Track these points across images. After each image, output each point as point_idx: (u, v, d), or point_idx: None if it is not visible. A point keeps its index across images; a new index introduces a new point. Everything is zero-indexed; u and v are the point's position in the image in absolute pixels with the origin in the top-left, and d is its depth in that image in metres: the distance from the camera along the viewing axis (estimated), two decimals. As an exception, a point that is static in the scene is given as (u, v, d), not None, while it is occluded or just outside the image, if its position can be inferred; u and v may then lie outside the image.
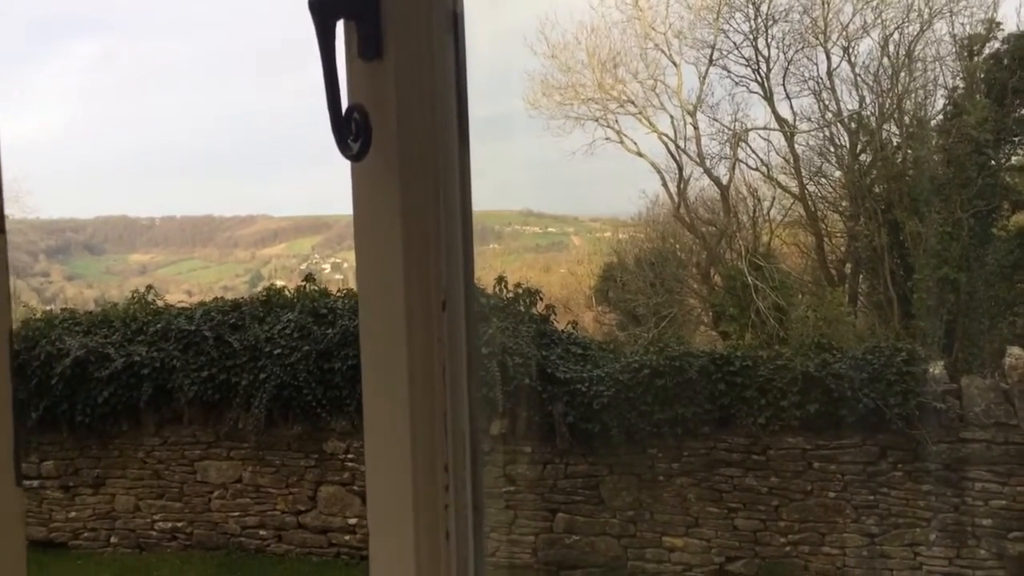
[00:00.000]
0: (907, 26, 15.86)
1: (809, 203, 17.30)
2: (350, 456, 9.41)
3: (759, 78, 17.04)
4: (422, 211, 1.00)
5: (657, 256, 19.10)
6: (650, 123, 18.20)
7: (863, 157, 16.68)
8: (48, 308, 13.49)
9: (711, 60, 17.35)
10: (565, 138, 18.32)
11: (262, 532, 9.70)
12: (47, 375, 9.67)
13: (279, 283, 11.87)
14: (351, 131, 0.97)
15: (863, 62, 16.35)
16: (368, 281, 1.01)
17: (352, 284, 12.19)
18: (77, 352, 9.65)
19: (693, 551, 8.70)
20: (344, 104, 0.97)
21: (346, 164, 1.03)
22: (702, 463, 8.71)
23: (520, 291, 10.02)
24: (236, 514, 9.74)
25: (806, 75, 16.87)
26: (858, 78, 16.32)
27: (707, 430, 8.69)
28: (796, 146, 17.14)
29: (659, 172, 18.38)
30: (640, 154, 18.32)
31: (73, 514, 10.12)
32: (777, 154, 17.59)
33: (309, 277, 10.56)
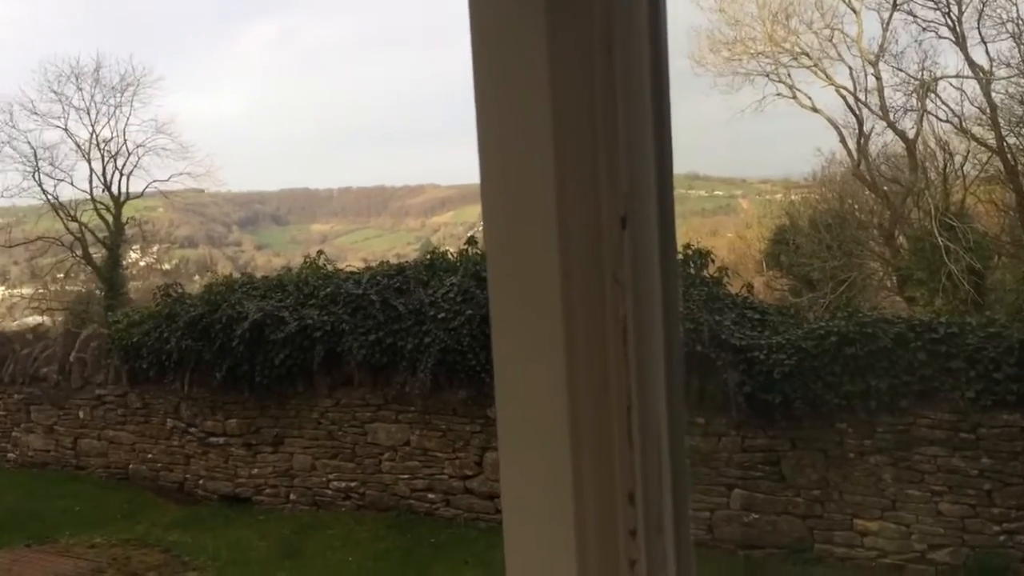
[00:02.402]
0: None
1: (1008, 156, 15.65)
2: (515, 422, 9.21)
3: (950, 22, 15.60)
4: (585, 56, 0.58)
5: (834, 217, 18.19)
6: (827, 76, 17.07)
7: (1070, 104, 14.85)
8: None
9: (895, 5, 16.02)
10: (733, 96, 17.51)
11: (431, 495, 9.72)
12: (229, 337, 10.06)
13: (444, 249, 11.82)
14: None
15: (1069, -1, 14.45)
16: (494, 180, 0.61)
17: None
18: (255, 315, 9.97)
19: (889, 536, 7.89)
20: None
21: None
22: (899, 440, 7.85)
23: (689, 252, 9.45)
24: (405, 476, 9.81)
25: (1004, 17, 15.20)
26: (1064, 17, 14.48)
27: (905, 404, 7.83)
28: (993, 94, 15.56)
29: (836, 128, 17.38)
30: (815, 109, 17.34)
31: (256, 470, 10.56)
32: (971, 104, 16.11)
33: (471, 240, 10.41)
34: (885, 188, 17.71)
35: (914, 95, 16.56)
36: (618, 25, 0.59)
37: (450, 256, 10.37)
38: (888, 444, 7.88)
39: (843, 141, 17.66)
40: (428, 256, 10.55)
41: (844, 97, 16.94)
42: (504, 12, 0.59)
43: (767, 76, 17.39)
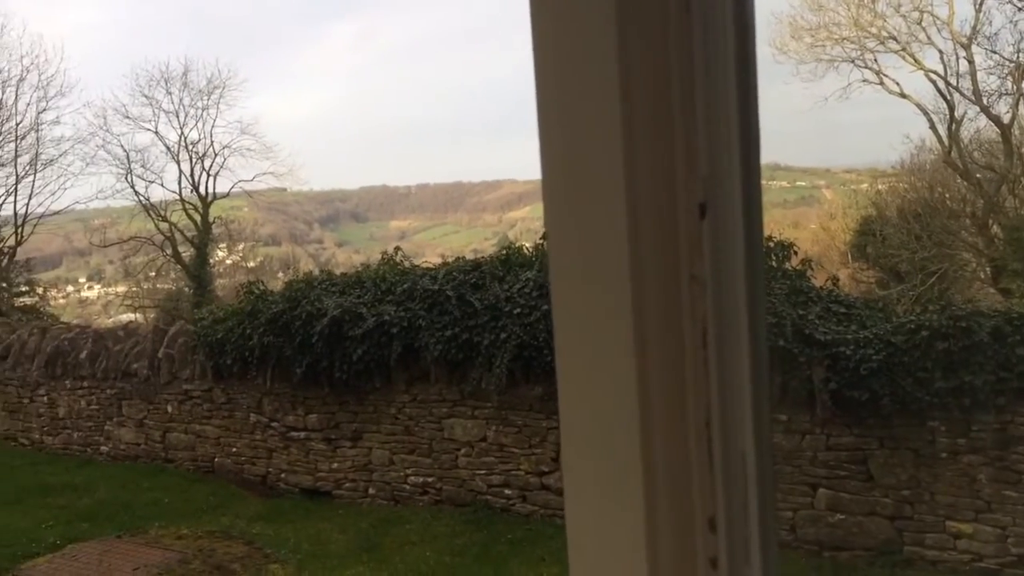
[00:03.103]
0: None
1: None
2: (592, 419, 9.11)
3: (1050, -1, 14.73)
4: (659, 15, 0.51)
5: (924, 207, 17.57)
6: (915, 60, 16.49)
7: None
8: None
9: (990, -16, 15.27)
10: (816, 83, 17.13)
11: (507, 491, 9.71)
12: (308, 333, 10.22)
13: (519, 244, 11.80)
14: None
15: None
16: (555, 163, 0.54)
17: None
18: (334, 312, 10.11)
19: (984, 539, 7.52)
20: None
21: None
22: (995, 439, 7.47)
23: (771, 244, 9.21)
24: (482, 472, 9.82)
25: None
26: None
27: (1002, 401, 7.44)
28: (1097, 75, 14.66)
29: (926, 114, 16.77)
30: (903, 95, 16.80)
31: (335, 465, 10.72)
32: (1074, 86, 15.20)
33: (547, 235, 10.34)
34: (978, 175, 16.99)
35: (1009, 78, 15.84)
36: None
37: (526, 251, 10.32)
38: (984, 443, 7.51)
39: (933, 127, 17.01)
40: (504, 251, 10.52)
41: (934, 82, 16.32)
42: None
43: (852, 62, 16.89)
